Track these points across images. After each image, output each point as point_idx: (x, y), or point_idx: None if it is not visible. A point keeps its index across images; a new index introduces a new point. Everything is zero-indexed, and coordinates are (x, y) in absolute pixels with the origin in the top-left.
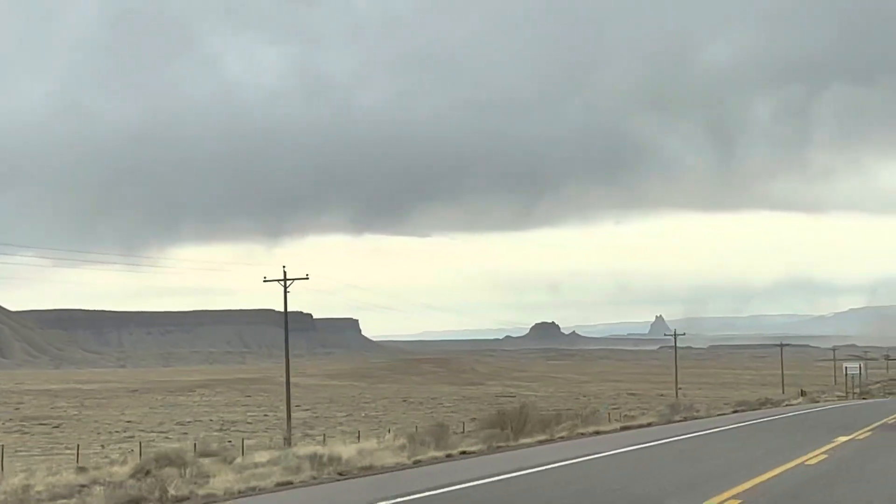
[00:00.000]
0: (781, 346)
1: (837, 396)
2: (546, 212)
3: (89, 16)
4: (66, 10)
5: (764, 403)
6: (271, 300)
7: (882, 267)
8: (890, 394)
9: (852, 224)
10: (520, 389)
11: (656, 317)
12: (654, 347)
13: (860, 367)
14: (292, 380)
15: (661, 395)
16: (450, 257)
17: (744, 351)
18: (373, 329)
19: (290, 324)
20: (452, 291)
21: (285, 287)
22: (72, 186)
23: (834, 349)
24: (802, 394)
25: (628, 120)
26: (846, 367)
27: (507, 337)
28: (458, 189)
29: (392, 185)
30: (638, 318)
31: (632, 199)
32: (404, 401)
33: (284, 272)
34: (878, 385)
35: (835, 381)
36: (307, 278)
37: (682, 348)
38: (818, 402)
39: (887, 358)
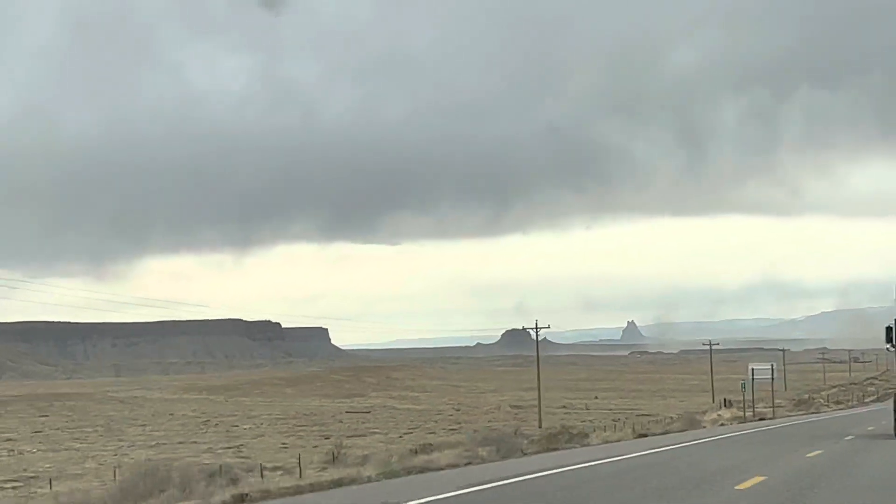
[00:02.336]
0: (711, 347)
1: (729, 416)
2: (516, 218)
3: (50, 23)
4: (26, 18)
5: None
6: (237, 311)
7: (852, 269)
8: (838, 403)
9: (823, 227)
10: (401, 402)
11: (628, 322)
12: (626, 353)
13: (772, 369)
14: (136, 394)
15: (563, 408)
16: (420, 265)
17: (714, 356)
18: (343, 338)
19: (255, 333)
20: (423, 299)
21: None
22: (34, 197)
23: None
24: (727, 404)
25: (597, 125)
26: (752, 369)
27: (479, 344)
28: (427, 196)
29: (361, 193)
30: (610, 323)
31: (602, 205)
32: (212, 420)
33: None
34: (835, 389)
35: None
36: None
37: (653, 353)
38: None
39: (855, 360)
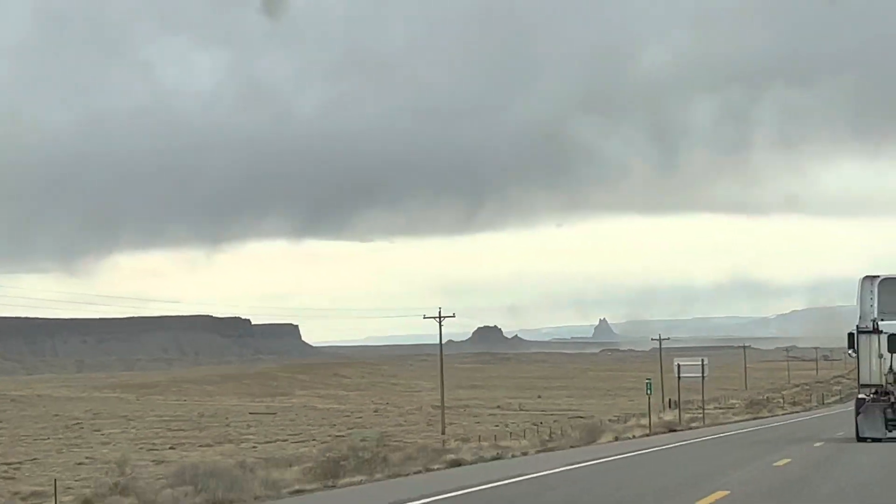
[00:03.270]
0: (661, 343)
1: (667, 419)
2: (488, 216)
3: (19, 20)
4: None
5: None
6: (207, 307)
7: (823, 268)
8: (796, 404)
9: (793, 226)
10: (325, 401)
11: (600, 320)
12: (597, 351)
13: (702, 366)
14: (43, 392)
15: (498, 408)
16: (392, 262)
17: (685, 353)
18: (315, 335)
19: (225, 329)
20: (396, 296)
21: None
22: (2, 193)
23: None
24: (671, 405)
25: (568, 124)
26: (678, 366)
27: (450, 341)
28: (399, 194)
29: (332, 191)
30: (582, 321)
31: (573, 203)
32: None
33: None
34: (797, 389)
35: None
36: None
37: (624, 351)
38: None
39: (825, 358)
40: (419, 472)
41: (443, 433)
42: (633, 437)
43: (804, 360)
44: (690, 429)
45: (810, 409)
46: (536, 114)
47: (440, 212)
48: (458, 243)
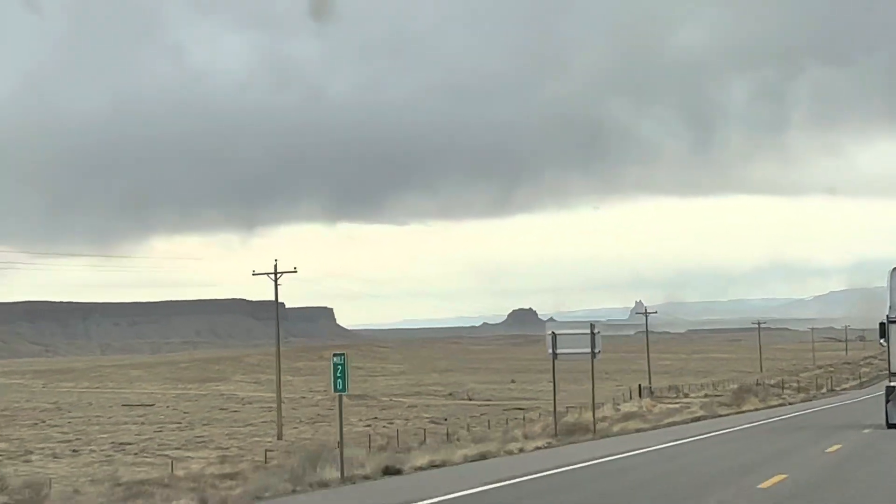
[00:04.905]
0: (647, 326)
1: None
2: (523, 198)
3: (51, 3)
4: None
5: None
6: (243, 290)
7: (859, 249)
8: (802, 390)
9: (830, 207)
10: (266, 389)
11: (636, 302)
12: (632, 333)
13: (591, 338)
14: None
15: (450, 395)
16: (427, 245)
17: (720, 335)
18: (349, 318)
19: (260, 313)
20: (431, 279)
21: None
22: (40, 178)
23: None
24: (642, 393)
25: (604, 104)
26: (552, 336)
27: (485, 324)
28: (434, 176)
29: (367, 174)
30: (618, 303)
31: (609, 185)
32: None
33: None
34: (820, 371)
35: (761, 367)
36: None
37: (659, 333)
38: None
39: (861, 339)
40: None
41: (279, 437)
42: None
43: (838, 341)
44: (572, 442)
45: (813, 397)
46: (571, 94)
47: (475, 194)
48: (494, 226)
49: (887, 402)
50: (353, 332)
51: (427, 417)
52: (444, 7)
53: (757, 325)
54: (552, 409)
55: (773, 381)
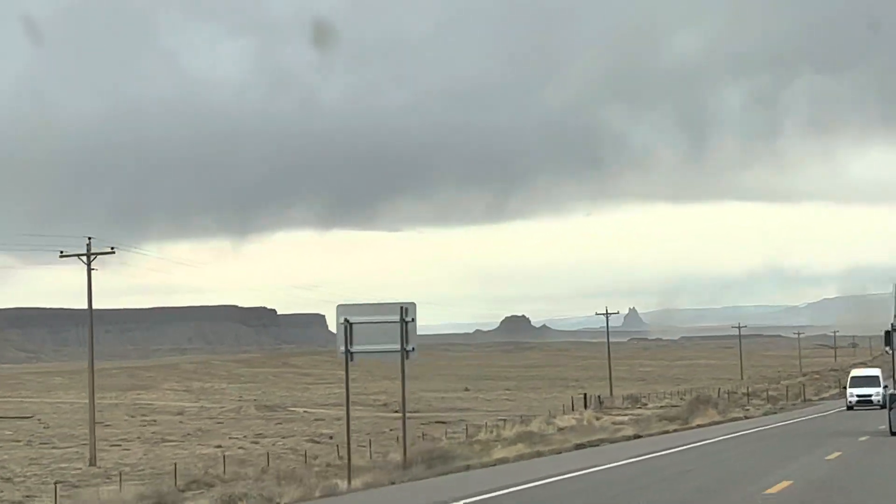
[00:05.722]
0: (608, 331)
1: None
2: (517, 205)
3: (45, 8)
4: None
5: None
6: (234, 297)
7: (855, 256)
8: (774, 400)
9: (823, 214)
10: (192, 399)
11: (629, 309)
12: (625, 339)
13: (402, 334)
14: None
15: (384, 404)
16: (421, 252)
17: (713, 342)
18: None
19: (252, 319)
20: (424, 286)
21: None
22: (31, 183)
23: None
24: (587, 404)
25: (597, 111)
26: (343, 325)
27: (477, 331)
28: (427, 183)
29: (360, 180)
30: (611, 310)
31: (602, 191)
32: None
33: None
34: (804, 378)
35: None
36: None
37: (653, 339)
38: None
39: (854, 345)
40: None
41: (94, 464)
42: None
43: (830, 348)
44: (410, 478)
45: (781, 409)
46: (565, 101)
47: (469, 201)
48: (487, 232)
49: (890, 409)
50: None
51: (323, 433)
52: (440, 13)
53: (738, 328)
54: (488, 419)
55: (748, 390)
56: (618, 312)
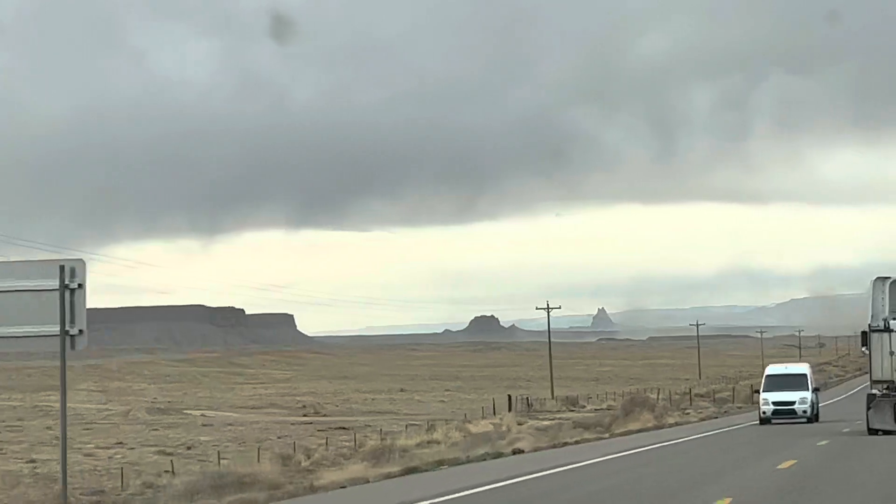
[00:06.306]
0: (550, 332)
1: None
2: (486, 205)
3: (12, 7)
4: None
5: None
6: (202, 296)
7: (822, 257)
8: (722, 402)
9: (792, 215)
10: (96, 399)
11: (598, 309)
12: (594, 339)
13: (64, 291)
14: None
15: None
16: (391, 252)
17: (681, 342)
18: (311, 325)
19: (220, 319)
20: (394, 286)
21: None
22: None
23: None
24: (511, 407)
25: (567, 111)
26: None
27: (446, 331)
28: (397, 183)
29: (330, 180)
30: (580, 310)
31: (572, 192)
32: None
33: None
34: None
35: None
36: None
37: (621, 340)
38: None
39: (821, 346)
40: None
41: None
42: None
43: (796, 348)
44: None
45: (725, 412)
46: (535, 101)
47: (439, 201)
48: (457, 233)
49: (868, 408)
50: (314, 338)
51: (197, 441)
52: (411, 14)
53: (696, 325)
54: (398, 425)
55: (690, 391)
56: (560, 307)
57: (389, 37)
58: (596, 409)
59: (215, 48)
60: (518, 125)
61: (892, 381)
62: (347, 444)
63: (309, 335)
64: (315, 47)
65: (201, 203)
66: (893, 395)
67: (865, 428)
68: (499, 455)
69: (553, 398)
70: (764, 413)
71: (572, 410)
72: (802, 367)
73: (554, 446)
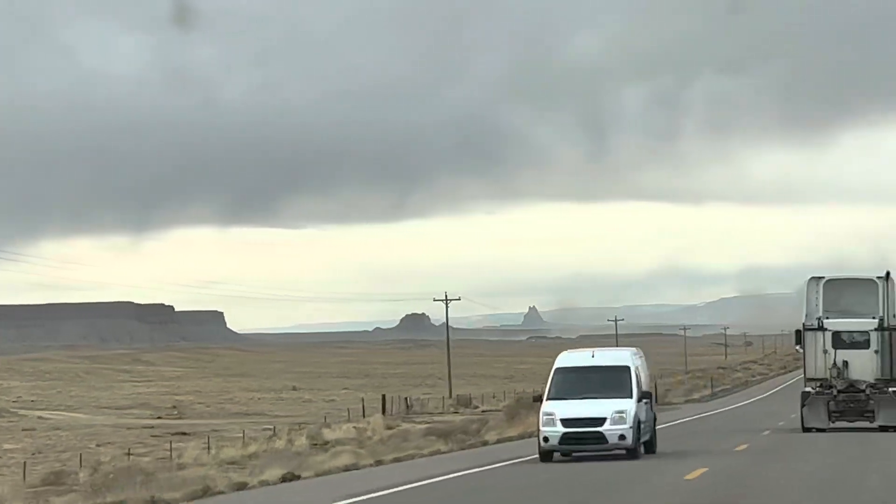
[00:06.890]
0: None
1: None
2: (418, 203)
3: None
4: None
5: None
6: (131, 293)
7: (750, 256)
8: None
9: (722, 214)
10: None
11: (529, 308)
12: (524, 338)
13: None
14: None
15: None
16: (322, 249)
17: (611, 340)
18: (242, 322)
19: (149, 316)
20: (325, 284)
21: None
22: None
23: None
24: (385, 409)
25: (499, 110)
26: None
27: (377, 329)
28: (329, 181)
29: (261, 178)
30: (512, 308)
31: (504, 190)
32: None
33: None
34: (688, 376)
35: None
36: None
37: (552, 338)
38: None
39: (748, 344)
40: None
41: None
42: None
43: (726, 346)
44: None
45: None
46: (468, 100)
47: (371, 199)
48: (389, 230)
49: (803, 406)
50: (244, 336)
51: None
52: (341, 13)
53: (614, 321)
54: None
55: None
56: (459, 299)
57: (322, 33)
58: (484, 412)
59: (145, 42)
60: (451, 124)
61: (826, 379)
62: (164, 454)
63: (239, 332)
64: (246, 43)
65: (131, 199)
66: (827, 393)
67: (800, 426)
68: (294, 478)
69: (451, 397)
70: (546, 440)
71: (455, 413)
72: (623, 355)
73: (379, 463)
